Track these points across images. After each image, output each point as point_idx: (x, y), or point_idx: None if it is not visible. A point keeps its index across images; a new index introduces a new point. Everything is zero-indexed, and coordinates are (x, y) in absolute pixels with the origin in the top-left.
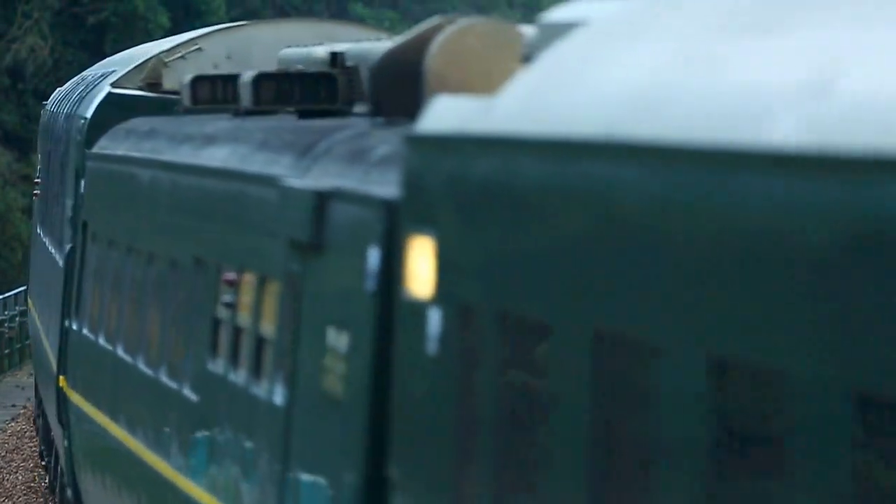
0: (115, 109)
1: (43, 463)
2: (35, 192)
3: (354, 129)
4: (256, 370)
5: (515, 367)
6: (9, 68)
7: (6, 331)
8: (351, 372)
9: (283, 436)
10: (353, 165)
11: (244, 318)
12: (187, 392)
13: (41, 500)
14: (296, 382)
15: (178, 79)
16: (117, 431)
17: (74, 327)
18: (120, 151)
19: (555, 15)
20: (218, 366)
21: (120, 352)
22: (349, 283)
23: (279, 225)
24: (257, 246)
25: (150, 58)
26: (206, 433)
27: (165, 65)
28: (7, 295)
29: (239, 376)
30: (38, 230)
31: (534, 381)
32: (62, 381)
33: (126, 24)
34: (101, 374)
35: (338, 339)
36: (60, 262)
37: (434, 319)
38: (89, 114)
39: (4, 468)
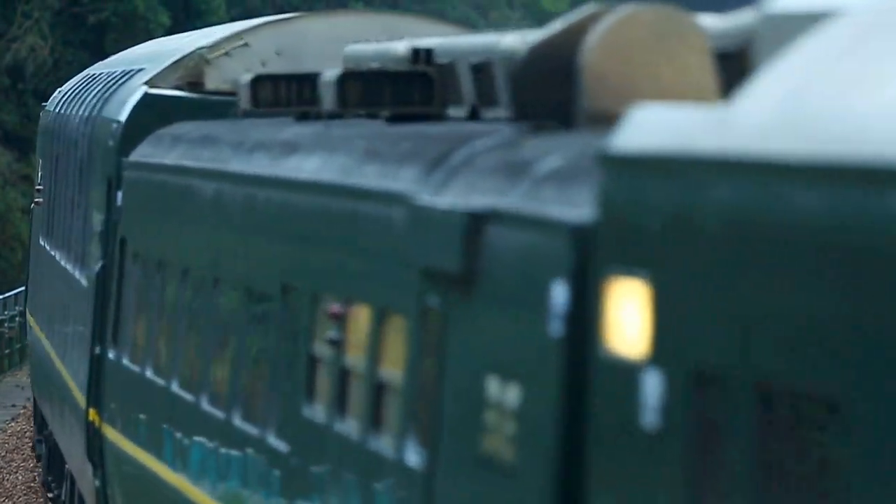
0: (153, 112)
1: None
2: (36, 199)
3: (497, 136)
4: (376, 421)
5: (784, 456)
6: (9, 68)
7: (6, 331)
8: (526, 433)
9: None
10: (509, 181)
11: (356, 359)
12: (273, 440)
13: (41, 500)
14: (439, 440)
15: (221, 77)
16: (172, 478)
17: (110, 356)
18: (169, 160)
19: (781, 4)
20: (317, 412)
21: (175, 388)
22: (520, 325)
23: (410, 251)
24: (374, 274)
25: (187, 54)
26: (300, 488)
27: (208, 62)
28: (7, 295)
29: (349, 427)
30: (43, 242)
31: (810, 471)
32: (93, 415)
33: (126, 23)
34: (149, 411)
35: (504, 392)
36: (84, 282)
37: (652, 384)
38: (123, 117)
39: (4, 468)
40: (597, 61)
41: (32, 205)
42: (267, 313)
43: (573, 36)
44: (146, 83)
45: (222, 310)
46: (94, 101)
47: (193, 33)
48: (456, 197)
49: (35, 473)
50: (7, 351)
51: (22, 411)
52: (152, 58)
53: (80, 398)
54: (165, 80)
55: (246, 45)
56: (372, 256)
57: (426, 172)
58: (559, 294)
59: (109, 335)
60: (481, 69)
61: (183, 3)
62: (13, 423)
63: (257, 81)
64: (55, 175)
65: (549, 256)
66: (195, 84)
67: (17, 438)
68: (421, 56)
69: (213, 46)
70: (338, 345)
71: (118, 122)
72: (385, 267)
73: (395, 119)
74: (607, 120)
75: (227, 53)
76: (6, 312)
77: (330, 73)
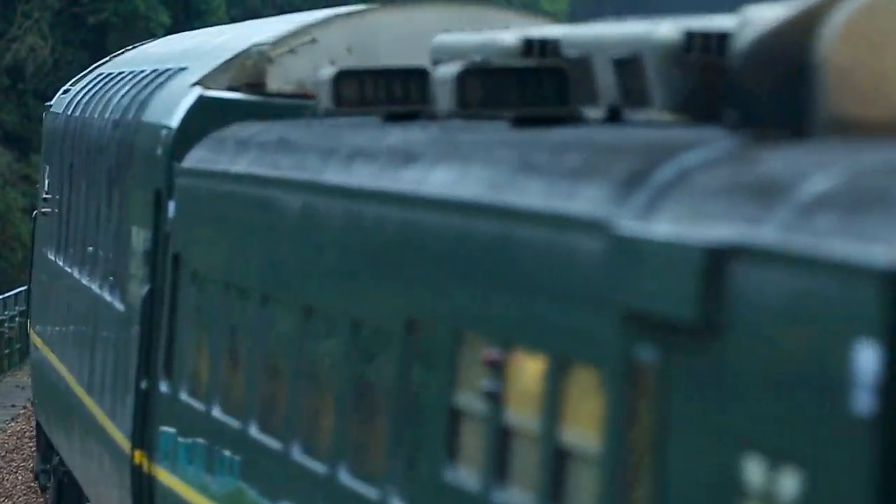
0: (208, 117)
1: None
2: (43, 209)
3: (713, 148)
4: (556, 494)
5: None
6: (9, 68)
7: (6, 331)
8: None
9: None
10: (758, 207)
11: (522, 416)
12: None
13: (41, 500)
14: None
15: (285, 77)
16: None
17: (163, 390)
18: (239, 167)
19: None
20: (466, 478)
21: (255, 432)
22: (801, 396)
23: (607, 289)
24: (548, 314)
25: (242, 52)
26: None
27: (270, 61)
28: (7, 295)
29: (513, 497)
30: (53, 257)
31: None
32: (141, 457)
33: (126, 23)
34: (219, 457)
35: (774, 481)
36: (120, 305)
37: None
38: (175, 122)
39: (4, 468)
40: (840, 55)
41: (35, 213)
42: (384, 352)
43: (806, 25)
44: (196, 84)
45: (319, 345)
46: (127, 103)
47: (238, 27)
48: (675, 225)
49: (35, 473)
50: (7, 351)
51: (22, 411)
52: (195, 56)
53: (121, 438)
54: (217, 81)
55: (314, 41)
56: (544, 292)
57: (621, 192)
58: (867, 359)
59: (161, 366)
60: (627, 64)
61: (183, 3)
62: (13, 423)
63: (341, 77)
64: (69, 183)
65: (849, 309)
66: (255, 85)
67: (17, 438)
68: (536, 47)
69: (277, 43)
70: (495, 398)
71: (168, 127)
72: (565, 306)
73: (523, 122)
74: (853, 127)
75: (292, 51)
76: (6, 312)
77: (447, 70)
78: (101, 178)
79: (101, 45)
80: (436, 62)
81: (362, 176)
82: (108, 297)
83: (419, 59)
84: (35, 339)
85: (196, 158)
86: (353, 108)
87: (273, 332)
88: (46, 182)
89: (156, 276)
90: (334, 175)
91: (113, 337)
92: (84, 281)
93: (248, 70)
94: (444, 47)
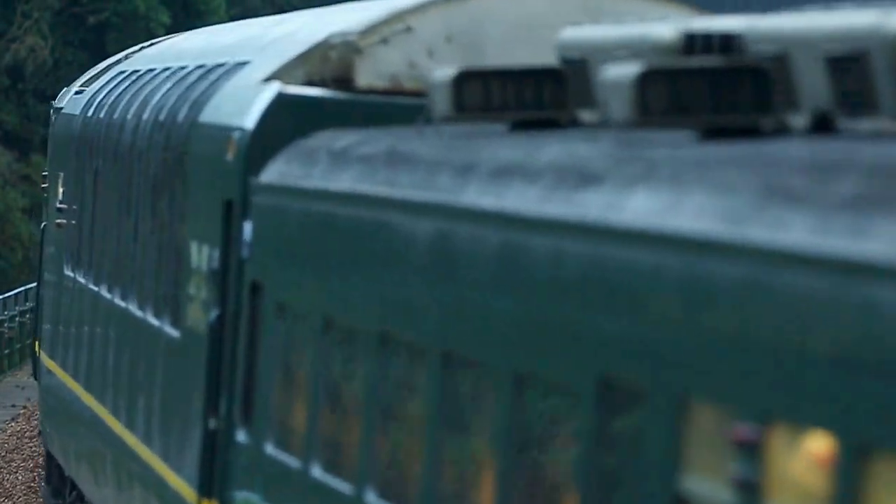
0: (288, 118)
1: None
2: (58, 220)
3: None
4: None
5: None
6: (9, 68)
7: (6, 331)
8: None
9: None
10: None
11: None
12: None
13: (41, 500)
14: None
15: (376, 71)
16: None
17: (240, 438)
18: (338, 185)
19: None
20: None
21: (372, 499)
22: None
23: None
24: (837, 386)
25: (321, 42)
26: None
27: (359, 52)
28: (7, 295)
29: None
30: (71, 272)
31: None
32: None
33: (126, 23)
34: None
35: None
36: (175, 332)
37: None
38: (250, 124)
39: (4, 468)
40: None
41: (43, 225)
42: (564, 417)
43: None
44: (269, 80)
45: (461, 403)
46: (172, 102)
47: (304, 15)
48: None
49: (35, 473)
50: (7, 351)
51: (22, 411)
52: (257, 47)
53: (181, 485)
54: (292, 76)
55: (408, 29)
56: (824, 357)
57: None
58: None
59: (238, 409)
60: (846, 62)
61: (182, 3)
62: (13, 423)
63: (464, 79)
64: (93, 192)
65: None
66: (341, 81)
67: (17, 438)
68: (701, 43)
69: (367, 32)
70: (752, 489)
71: (241, 129)
72: (861, 377)
73: (715, 133)
74: None
75: (384, 41)
76: (6, 312)
77: (624, 71)
78: (140, 186)
79: (101, 45)
80: (566, 60)
81: (521, 199)
82: (153, 320)
83: (531, 53)
84: (48, 363)
85: (278, 172)
86: (477, 115)
87: (397, 381)
88: (61, 191)
89: (226, 301)
90: (478, 197)
91: (163, 366)
92: (118, 301)
93: (332, 63)
94: (578, 43)
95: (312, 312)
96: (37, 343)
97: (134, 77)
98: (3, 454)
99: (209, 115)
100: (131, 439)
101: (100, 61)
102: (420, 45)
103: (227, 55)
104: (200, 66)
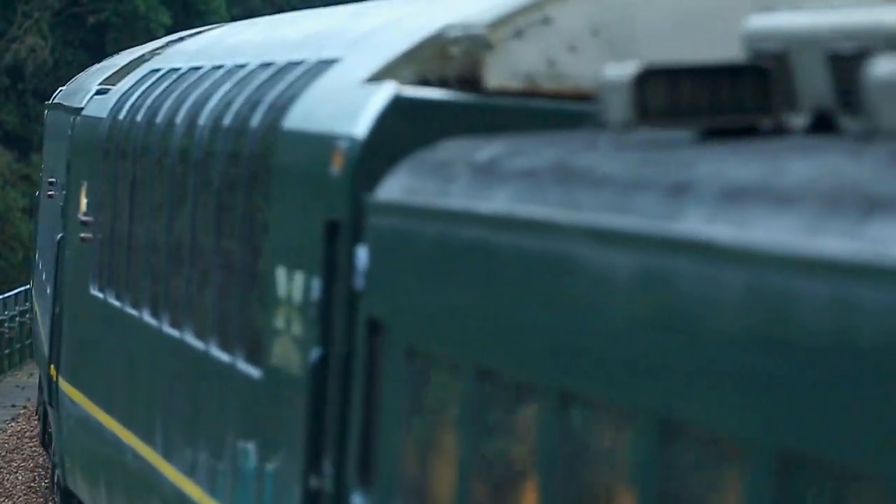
0: (405, 125)
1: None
2: (83, 234)
3: None
4: None
5: None
6: (9, 68)
7: (6, 331)
8: None
9: None
10: None
11: None
12: None
13: (41, 500)
14: None
15: (508, 70)
16: None
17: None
18: (490, 206)
19: None
20: None
21: None
22: None
23: None
24: None
25: (433, 36)
26: None
27: (489, 47)
28: (7, 295)
29: None
30: (100, 293)
31: None
32: None
33: (126, 23)
34: None
35: None
36: (251, 370)
37: None
38: (361, 132)
39: (4, 468)
40: None
41: (59, 237)
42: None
43: None
44: (373, 80)
45: (677, 474)
46: (240, 105)
47: (396, 4)
48: None
49: (35, 473)
50: (7, 351)
51: (22, 411)
52: (348, 43)
53: None
54: (401, 75)
55: (546, 20)
56: None
57: None
58: None
59: (354, 468)
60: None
61: (182, 3)
62: (13, 423)
63: (648, 78)
64: (131, 205)
65: None
66: (466, 81)
67: (17, 438)
68: None
69: (497, 24)
70: None
71: (350, 138)
72: None
73: None
74: None
75: (518, 34)
76: (6, 312)
77: (885, 67)
78: (198, 200)
79: (101, 45)
80: (755, 52)
81: (772, 229)
82: (220, 354)
83: (693, 48)
84: (70, 391)
85: (401, 188)
86: (664, 120)
87: (585, 447)
88: (84, 201)
89: (330, 340)
90: (705, 225)
91: (237, 409)
92: (167, 328)
93: (454, 60)
94: (776, 33)
95: (460, 360)
96: (53, 368)
97: (174, 76)
98: (3, 454)
99: (297, 120)
100: (193, 490)
101: (100, 61)
102: (560, 39)
103: (303, 52)
104: (267, 65)
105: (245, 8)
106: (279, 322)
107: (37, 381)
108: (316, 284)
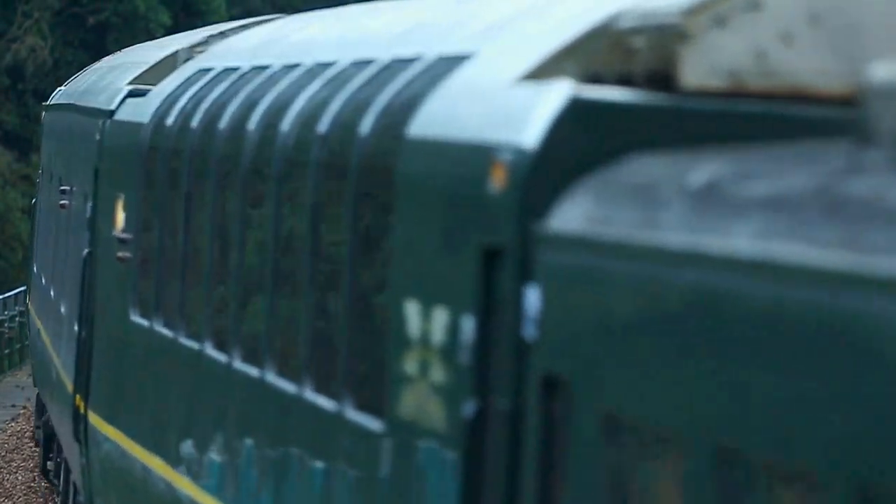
0: (583, 134)
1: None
2: (121, 253)
3: None
4: None
5: None
6: (9, 68)
7: (6, 331)
8: None
9: None
10: None
11: None
12: None
13: (41, 499)
14: None
15: (710, 65)
16: None
17: None
18: (726, 243)
19: None
20: None
21: None
22: None
23: None
24: None
25: (604, 25)
26: None
27: (684, 38)
28: (7, 295)
29: None
30: (145, 320)
31: None
32: None
33: (126, 23)
34: None
35: None
36: (370, 423)
37: None
38: (531, 142)
39: (4, 468)
40: None
41: (86, 253)
42: None
43: None
44: (528, 78)
45: None
46: (337, 109)
47: None
48: None
49: (35, 473)
50: (7, 351)
51: (22, 411)
52: (477, 35)
53: None
54: (562, 72)
55: (755, 6)
56: None
57: None
58: None
59: None
60: None
61: (183, 3)
62: (13, 423)
63: None
64: (187, 221)
65: None
66: (656, 79)
67: (17, 438)
68: None
69: (693, 10)
70: None
71: (516, 149)
72: None
73: None
74: None
75: (719, 22)
76: (6, 312)
77: None
78: (286, 218)
79: (102, 45)
80: None
81: None
82: (319, 399)
83: None
84: (105, 429)
85: (583, 215)
86: None
87: None
88: (121, 216)
89: (487, 394)
90: None
91: (347, 466)
92: (240, 365)
93: (638, 54)
94: None
95: (688, 436)
96: (80, 398)
97: (233, 76)
98: (3, 454)
99: (429, 126)
100: None
101: (101, 59)
102: (772, 29)
103: (410, 47)
104: (363, 62)
105: (245, 8)
106: (409, 366)
107: None
108: (468, 324)
